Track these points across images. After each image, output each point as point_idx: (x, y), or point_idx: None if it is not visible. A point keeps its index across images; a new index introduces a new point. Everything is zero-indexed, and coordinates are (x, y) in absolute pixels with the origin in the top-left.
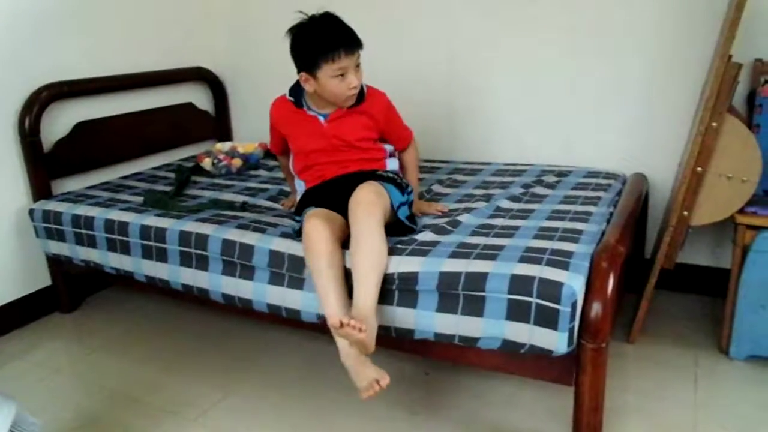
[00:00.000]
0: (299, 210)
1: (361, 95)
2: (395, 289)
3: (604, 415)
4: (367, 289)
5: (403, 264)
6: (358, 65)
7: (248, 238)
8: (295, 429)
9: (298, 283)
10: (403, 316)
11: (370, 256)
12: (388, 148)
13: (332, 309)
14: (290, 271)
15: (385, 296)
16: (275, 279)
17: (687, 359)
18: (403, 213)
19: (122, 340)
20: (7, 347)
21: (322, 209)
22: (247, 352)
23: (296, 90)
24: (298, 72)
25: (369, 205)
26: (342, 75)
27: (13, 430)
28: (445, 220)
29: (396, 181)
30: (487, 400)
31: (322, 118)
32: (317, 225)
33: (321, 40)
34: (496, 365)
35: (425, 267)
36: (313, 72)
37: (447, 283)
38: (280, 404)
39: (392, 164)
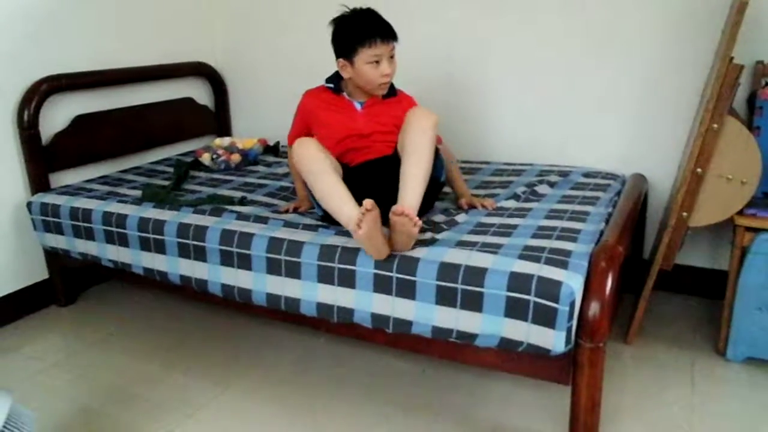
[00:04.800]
0: None
1: (394, 92)
2: (394, 278)
3: (601, 416)
4: (414, 191)
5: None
6: (392, 56)
7: (249, 228)
8: (292, 424)
9: (296, 271)
10: (402, 307)
11: (423, 165)
12: None
13: (351, 205)
14: (288, 255)
15: (384, 285)
16: (273, 268)
17: (684, 361)
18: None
19: (119, 334)
20: (3, 340)
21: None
22: (244, 347)
23: (334, 80)
24: (337, 58)
25: (424, 127)
26: (376, 62)
27: (8, 422)
28: (443, 218)
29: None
30: (483, 398)
31: (358, 105)
32: (307, 141)
33: (360, 28)
34: (494, 363)
35: (427, 255)
36: (350, 57)
37: (446, 275)
38: (277, 399)
39: None
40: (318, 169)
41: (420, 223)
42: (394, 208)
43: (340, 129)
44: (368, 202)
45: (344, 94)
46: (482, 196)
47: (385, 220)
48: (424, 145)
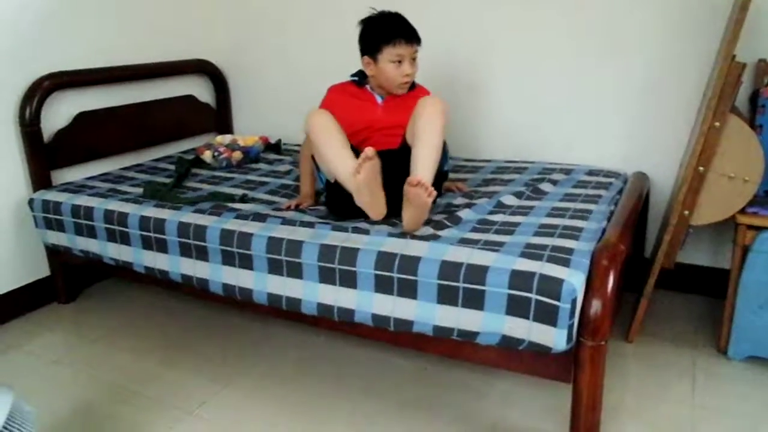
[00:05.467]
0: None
1: (413, 86)
2: (395, 278)
3: (602, 414)
4: (426, 168)
5: (406, 249)
6: (414, 58)
7: (247, 227)
8: (292, 422)
9: (297, 271)
10: (403, 307)
11: (433, 148)
12: None
13: (351, 160)
14: (288, 255)
15: (385, 285)
16: (275, 268)
17: (685, 359)
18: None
19: (120, 331)
20: (5, 337)
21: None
22: (245, 345)
23: (359, 75)
24: (362, 56)
25: (434, 114)
26: (399, 62)
27: (9, 419)
28: (446, 216)
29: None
30: (483, 396)
31: (380, 99)
32: (321, 112)
33: (386, 28)
34: (494, 361)
35: (428, 253)
36: (374, 55)
37: (448, 273)
38: (277, 397)
39: None
40: (328, 136)
41: (434, 192)
42: (409, 179)
43: (359, 120)
44: (369, 150)
45: (367, 87)
46: (479, 193)
47: (391, 212)
48: (433, 132)
